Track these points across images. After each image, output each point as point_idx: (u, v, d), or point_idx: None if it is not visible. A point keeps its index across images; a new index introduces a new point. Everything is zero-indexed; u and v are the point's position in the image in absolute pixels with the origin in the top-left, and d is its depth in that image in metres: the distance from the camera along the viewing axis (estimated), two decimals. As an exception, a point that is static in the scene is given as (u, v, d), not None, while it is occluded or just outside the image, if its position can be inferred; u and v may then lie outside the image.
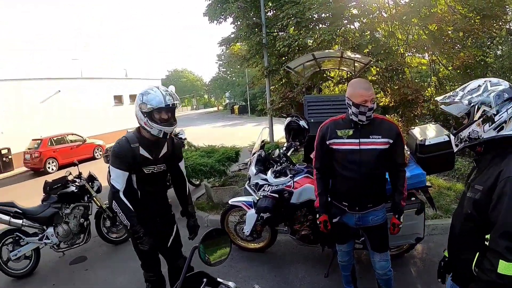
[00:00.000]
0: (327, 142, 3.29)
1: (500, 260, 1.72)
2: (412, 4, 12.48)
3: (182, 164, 3.67)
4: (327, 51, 11.48)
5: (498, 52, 17.26)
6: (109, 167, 3.30)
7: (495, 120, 1.90)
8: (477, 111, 1.95)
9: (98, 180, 6.34)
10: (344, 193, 3.37)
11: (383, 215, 3.36)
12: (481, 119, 1.93)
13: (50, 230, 5.78)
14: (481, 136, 1.96)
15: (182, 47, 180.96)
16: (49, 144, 18.14)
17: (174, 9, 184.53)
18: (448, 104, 2.09)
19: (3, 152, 19.92)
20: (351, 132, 3.19)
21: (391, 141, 3.13)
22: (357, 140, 3.16)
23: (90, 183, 6.17)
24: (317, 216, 3.56)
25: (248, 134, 20.66)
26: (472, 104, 1.96)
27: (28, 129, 21.07)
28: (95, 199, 6.18)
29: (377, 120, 3.22)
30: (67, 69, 27.00)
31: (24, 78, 23.25)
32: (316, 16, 13.09)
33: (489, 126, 1.92)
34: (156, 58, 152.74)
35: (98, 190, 6.25)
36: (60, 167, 17.25)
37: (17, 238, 5.63)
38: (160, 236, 3.56)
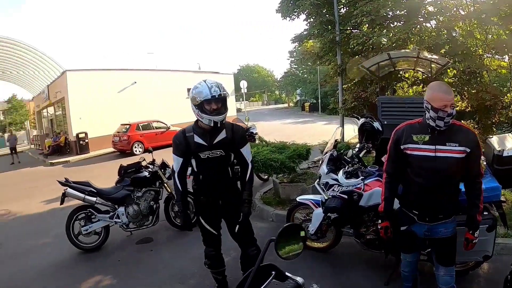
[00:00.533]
0: (401, 147, 3.18)
1: None
2: (491, 2, 11.74)
3: (244, 150, 3.84)
4: (403, 50, 11.21)
5: None
6: None
7: None
8: None
9: (170, 168, 6.67)
10: (415, 202, 3.25)
11: (453, 227, 3.21)
12: None
13: (121, 209, 6.22)
14: None
15: (253, 42, 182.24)
16: (136, 129, 20.18)
17: (246, 4, 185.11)
18: None
19: (81, 136, 22.66)
20: (427, 137, 3.06)
21: (468, 150, 2.95)
22: (433, 147, 3.03)
23: (162, 170, 6.56)
24: (380, 221, 3.50)
25: (318, 132, 20.49)
26: None
27: (105, 116, 22.70)
28: (165, 185, 6.55)
29: (455, 126, 3.06)
30: (143, 62, 28.44)
31: (105, 68, 24.79)
32: (390, 13, 12.76)
33: None
34: (228, 53, 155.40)
35: (170, 177, 6.56)
36: (145, 151, 18.40)
37: (89, 214, 6.15)
38: (227, 221, 3.96)
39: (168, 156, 7.55)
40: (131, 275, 5.33)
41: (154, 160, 6.74)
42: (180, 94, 28.78)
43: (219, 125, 3.59)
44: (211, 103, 3.46)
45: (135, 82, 26.43)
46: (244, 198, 3.82)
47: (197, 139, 3.64)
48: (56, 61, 31.11)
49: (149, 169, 6.54)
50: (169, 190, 6.56)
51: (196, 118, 3.67)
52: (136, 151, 19.61)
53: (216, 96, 3.44)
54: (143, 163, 6.60)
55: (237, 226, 3.88)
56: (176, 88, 28.89)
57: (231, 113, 24.92)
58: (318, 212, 4.89)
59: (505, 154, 4.23)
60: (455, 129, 3.03)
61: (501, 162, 4.23)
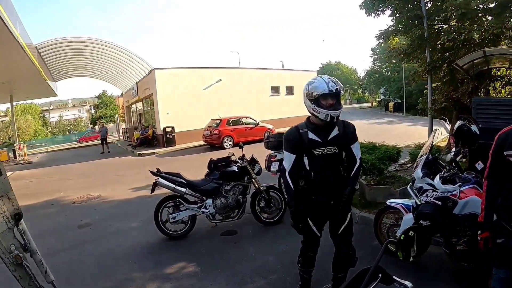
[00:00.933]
0: (505, 153, 2.95)
1: None
2: None
3: (354, 147, 3.79)
4: (499, 47, 10.63)
5: None
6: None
7: None
8: None
9: (259, 164, 6.92)
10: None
11: None
12: None
13: (209, 201, 6.56)
14: None
15: (337, 40, 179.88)
16: (227, 124, 21.22)
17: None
18: None
19: (168, 129, 24.29)
20: None
21: None
22: None
23: (251, 165, 6.77)
24: (479, 231, 3.27)
25: (403, 133, 20.09)
26: None
27: (190, 112, 24.63)
28: (254, 181, 6.77)
29: None
30: (226, 60, 29.41)
31: (190, 66, 25.90)
32: (481, 6, 12.12)
33: None
34: (311, 50, 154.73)
35: (258, 173, 6.84)
36: (235, 145, 19.61)
37: (178, 203, 6.55)
38: (333, 221, 3.93)
39: (257, 151, 7.79)
40: (214, 265, 5.53)
41: (243, 155, 7.01)
42: (264, 91, 29.31)
43: (335, 120, 3.59)
44: (328, 98, 3.49)
45: (220, 80, 27.36)
46: (344, 194, 3.73)
47: (311, 135, 3.64)
48: (145, 61, 33.48)
49: (238, 164, 6.83)
50: (257, 185, 6.80)
51: (309, 115, 3.77)
52: (226, 145, 20.72)
53: (334, 91, 3.47)
54: (233, 158, 6.89)
55: (343, 226, 3.87)
56: (260, 85, 29.52)
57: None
58: (409, 218, 4.67)
59: None
60: None
61: None
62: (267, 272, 5.17)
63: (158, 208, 6.55)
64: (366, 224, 6.27)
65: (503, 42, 11.86)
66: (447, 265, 4.80)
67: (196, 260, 5.74)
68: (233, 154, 6.89)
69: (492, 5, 12.04)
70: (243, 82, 29.17)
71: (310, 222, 3.87)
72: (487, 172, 3.19)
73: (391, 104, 53.65)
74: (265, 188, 6.88)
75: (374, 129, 26.09)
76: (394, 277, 1.92)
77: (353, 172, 3.78)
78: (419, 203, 4.54)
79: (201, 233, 6.78)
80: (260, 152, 8.24)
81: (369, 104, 76.17)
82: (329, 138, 3.65)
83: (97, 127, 37.89)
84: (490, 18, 12.34)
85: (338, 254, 4.04)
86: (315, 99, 3.50)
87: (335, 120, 3.57)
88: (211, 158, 6.91)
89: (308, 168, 3.70)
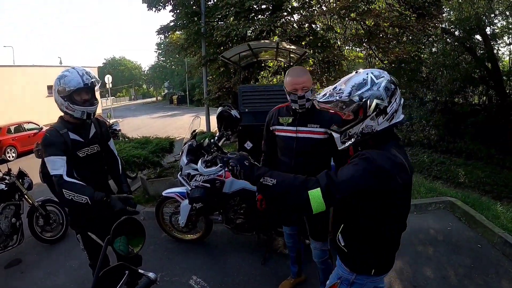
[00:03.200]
0: (271, 128, 3.42)
1: (319, 189, 1.91)
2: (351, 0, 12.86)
3: (111, 143, 3.59)
4: (262, 41, 11.64)
5: (432, 49, 18.34)
6: (43, 161, 3.21)
7: (388, 112, 1.96)
8: (370, 105, 1.94)
9: (29, 177, 6.01)
10: None
11: None
12: (375, 112, 1.95)
13: None
14: (375, 129, 2.00)
15: (120, 35, 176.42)
16: (7, 132, 18.00)
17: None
18: (332, 102, 2.01)
19: None
20: (290, 120, 3.26)
21: (329, 131, 3.02)
22: (294, 128, 3.22)
23: (20, 180, 5.83)
24: (257, 193, 3.74)
25: (186, 124, 20.54)
26: (364, 100, 1.94)
27: None
28: (26, 197, 5.83)
29: (319, 109, 3.10)
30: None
31: None
32: (256, 7, 13.13)
33: (383, 118, 1.97)
34: (92, 46, 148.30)
35: (29, 187, 5.92)
36: (19, 155, 17.41)
37: None
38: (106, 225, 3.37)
39: (27, 163, 6.89)
40: (4, 306, 4.80)
41: (10, 170, 5.97)
42: (40, 91, 26.63)
43: (92, 117, 3.19)
44: (82, 93, 3.03)
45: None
46: (126, 191, 3.56)
47: (73, 135, 3.13)
48: None
49: (6, 181, 5.80)
50: (31, 202, 5.90)
51: (60, 116, 3.19)
52: (9, 156, 17.42)
53: (89, 85, 3.01)
54: (-3, 175, 5.84)
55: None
56: (35, 85, 26.61)
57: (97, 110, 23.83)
58: (185, 204, 4.90)
59: None
60: (319, 112, 3.15)
61: None
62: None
63: None
64: (152, 218, 6.11)
65: (274, 38, 12.97)
66: (235, 239, 5.41)
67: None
68: None
69: (266, 6, 13.19)
70: (17, 82, 25.64)
71: (94, 236, 3.32)
72: (263, 146, 3.66)
73: (175, 97, 55.08)
74: (40, 203, 5.99)
75: (157, 123, 26.40)
76: (139, 270, 1.98)
77: (121, 169, 3.67)
78: (190, 188, 4.70)
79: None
80: (31, 165, 7.31)
81: (154, 99, 76.42)
82: (90, 137, 3.27)
83: None
84: (262, 17, 13.49)
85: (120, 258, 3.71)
86: (68, 95, 2.98)
87: (92, 117, 3.19)
88: (-30, 180, 5.79)
89: (75, 174, 3.10)
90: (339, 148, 2.16)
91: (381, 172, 1.88)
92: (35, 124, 19.86)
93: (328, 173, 1.96)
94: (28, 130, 19.19)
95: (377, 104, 1.93)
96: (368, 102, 1.93)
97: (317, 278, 3.74)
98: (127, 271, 1.93)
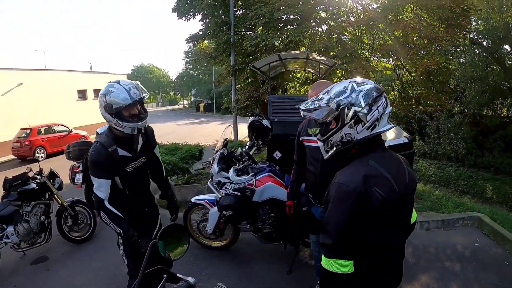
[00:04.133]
0: (300, 138, 3.56)
1: (323, 256, 1.90)
2: (379, 10, 12.92)
3: (157, 150, 3.54)
4: (293, 52, 11.61)
5: (461, 60, 18.08)
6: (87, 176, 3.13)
7: (368, 120, 1.87)
8: (347, 113, 1.88)
9: (59, 177, 6.16)
10: (311, 186, 3.60)
11: None
12: (353, 120, 1.88)
13: (10, 229, 5.53)
14: (354, 137, 1.92)
15: (149, 42, 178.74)
16: (38, 133, 18.55)
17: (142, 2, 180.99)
18: (313, 110, 1.98)
19: None
20: (318, 130, 3.15)
21: None
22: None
23: (51, 180, 5.97)
24: (286, 199, 3.94)
25: (213, 132, 20.73)
26: (341, 107, 1.88)
27: None
28: (56, 197, 5.97)
29: None
30: (30, 60, 26.22)
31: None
32: (284, 17, 13.26)
33: (362, 127, 1.89)
34: (122, 53, 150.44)
35: (60, 188, 6.06)
36: (48, 156, 17.91)
37: None
38: (147, 227, 3.41)
39: (58, 164, 7.03)
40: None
41: (41, 169, 6.12)
42: (70, 95, 27.12)
43: (143, 132, 3.10)
44: (130, 108, 2.90)
45: (21, 83, 24.25)
46: (170, 194, 3.65)
47: (121, 152, 3.05)
48: None
49: (37, 180, 5.93)
50: (60, 202, 6.03)
51: (109, 126, 3.06)
52: (39, 157, 17.84)
53: (137, 100, 2.89)
54: (30, 174, 5.97)
55: (155, 231, 3.51)
56: (65, 89, 27.07)
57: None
58: (214, 211, 4.90)
59: (386, 144, 4.54)
60: None
61: None
62: (86, 294, 4.77)
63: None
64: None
65: (302, 48, 13.00)
66: (261, 248, 5.35)
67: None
68: (31, 170, 6.02)
69: (294, 17, 13.26)
70: (49, 86, 25.71)
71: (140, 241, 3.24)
72: (295, 155, 3.77)
73: (201, 105, 55.27)
74: (69, 203, 6.13)
75: (184, 130, 26.52)
76: (178, 275, 2.05)
77: (165, 174, 3.70)
78: (220, 196, 4.73)
79: (10, 266, 5.65)
80: (62, 165, 7.44)
81: (181, 106, 76.95)
82: (138, 150, 3.20)
83: None
84: (290, 27, 13.53)
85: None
86: (116, 113, 2.86)
87: (142, 131, 3.09)
88: (5, 177, 5.90)
89: (121, 187, 3.14)
90: (324, 158, 2.13)
91: (355, 194, 1.82)
92: (64, 126, 20.37)
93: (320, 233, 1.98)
94: (58, 132, 19.74)
95: (355, 112, 1.86)
96: (346, 109, 1.88)
97: None
98: (165, 275, 1.98)
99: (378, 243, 1.96)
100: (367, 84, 1.92)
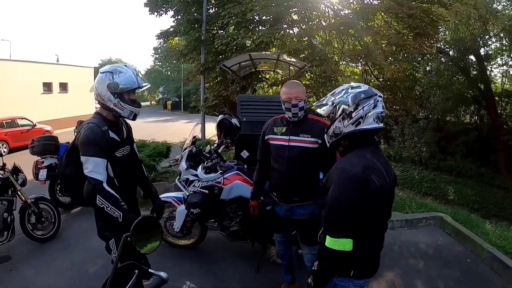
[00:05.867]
0: (266, 137, 3.61)
1: (327, 236, 2.18)
2: (351, 16, 13.12)
3: (135, 146, 3.45)
4: (264, 52, 11.70)
5: (427, 68, 18.74)
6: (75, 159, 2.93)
7: (353, 116, 2.22)
8: (338, 110, 2.29)
9: (23, 173, 5.95)
10: (275, 185, 3.66)
11: (312, 210, 3.49)
12: (341, 116, 2.27)
13: None
14: (342, 131, 2.30)
15: (117, 36, 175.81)
16: (0, 126, 17.85)
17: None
18: (320, 107, 2.41)
19: None
20: (284, 129, 3.46)
21: (319, 141, 3.29)
22: (287, 137, 3.41)
23: (14, 176, 5.78)
24: (250, 200, 3.93)
25: (179, 130, 20.66)
26: (335, 104, 2.31)
27: None
28: (19, 193, 5.77)
29: (312, 120, 3.45)
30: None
31: None
32: (257, 18, 13.30)
33: (348, 122, 2.24)
34: (89, 46, 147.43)
35: (23, 184, 5.85)
36: (11, 150, 17.06)
37: None
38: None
39: (22, 159, 6.83)
40: (-10, 303, 4.71)
41: (4, 164, 5.90)
42: (35, 88, 26.29)
43: (136, 119, 3.10)
44: (132, 93, 2.98)
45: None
46: (155, 192, 3.62)
47: (112, 134, 2.99)
48: None
49: (0, 176, 5.76)
50: (24, 199, 5.84)
51: (96, 112, 3.06)
52: (1, 151, 17.15)
53: (141, 87, 2.99)
54: (-8, 169, 5.77)
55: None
56: (30, 81, 26.16)
57: (91, 110, 23.62)
58: (181, 209, 4.88)
59: None
60: (311, 123, 3.42)
61: None
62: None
63: None
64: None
65: (272, 50, 13.10)
66: (229, 246, 5.36)
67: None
68: None
69: (267, 18, 13.34)
70: (13, 77, 24.53)
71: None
72: (258, 155, 3.81)
73: (169, 103, 54.90)
74: (33, 200, 5.91)
75: (151, 128, 26.29)
76: (150, 270, 2.10)
77: (145, 171, 3.65)
78: (188, 194, 4.72)
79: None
80: (25, 160, 7.16)
81: (148, 103, 76.09)
82: (124, 136, 3.17)
83: None
84: (262, 28, 13.61)
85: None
86: (119, 93, 2.88)
87: (136, 119, 3.09)
88: (-35, 174, 5.69)
89: (112, 175, 3.00)
90: (328, 146, 2.56)
91: (357, 179, 2.13)
92: (28, 120, 19.60)
93: (323, 216, 2.27)
94: (21, 126, 19.01)
95: (343, 109, 2.26)
96: (337, 106, 2.29)
97: None
98: (137, 270, 1.99)
99: (371, 227, 2.30)
100: (360, 87, 2.32)
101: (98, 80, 2.92)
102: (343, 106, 2.26)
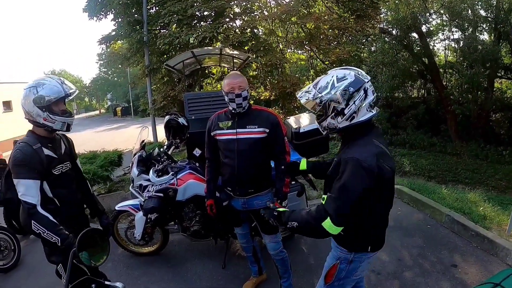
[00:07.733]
0: (212, 133, 3.54)
1: (329, 220, 2.19)
2: (292, 4, 13.38)
3: (78, 162, 3.31)
4: (206, 48, 11.67)
5: (372, 48, 19.36)
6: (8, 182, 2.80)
7: (345, 113, 2.23)
8: (328, 108, 2.28)
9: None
10: (228, 180, 3.61)
11: (268, 199, 3.53)
12: (333, 113, 2.28)
13: None
14: (337, 126, 2.31)
15: (59, 46, 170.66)
16: None
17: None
18: (302, 98, 2.36)
19: None
20: (230, 123, 3.43)
21: (267, 130, 3.34)
22: (234, 131, 3.39)
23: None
24: (206, 200, 3.87)
25: (131, 136, 20.36)
26: (323, 103, 2.27)
27: None
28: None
29: (256, 111, 3.46)
30: None
31: None
32: (198, 14, 13.23)
33: (342, 118, 2.26)
34: (31, 59, 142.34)
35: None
36: None
37: None
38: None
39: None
40: None
41: None
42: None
43: (70, 129, 2.92)
44: (60, 103, 2.80)
45: None
46: (102, 210, 3.49)
47: (47, 151, 2.82)
48: None
49: None
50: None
51: (29, 130, 2.87)
52: None
53: (69, 94, 2.80)
54: None
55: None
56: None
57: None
58: (139, 216, 4.77)
59: (301, 130, 4.85)
60: (256, 114, 3.43)
61: (298, 137, 4.84)
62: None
63: None
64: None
65: (217, 44, 13.11)
66: (193, 246, 5.45)
67: None
68: None
69: (208, 13, 13.31)
70: None
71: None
72: (206, 152, 3.77)
73: (118, 109, 53.91)
74: None
75: (103, 137, 25.76)
76: (106, 282, 2.14)
77: (90, 188, 3.50)
78: (144, 200, 4.66)
79: None
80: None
81: (97, 112, 74.43)
82: (62, 153, 2.99)
83: None
84: (204, 23, 13.60)
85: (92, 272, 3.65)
86: (47, 106, 2.70)
87: (70, 129, 2.91)
88: None
89: (50, 195, 2.85)
90: (323, 135, 2.56)
91: (372, 171, 2.13)
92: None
93: (330, 196, 2.24)
94: None
95: (334, 107, 2.25)
96: (327, 105, 2.27)
97: (277, 273, 3.94)
98: (93, 285, 2.03)
99: (384, 207, 2.45)
100: (346, 79, 2.25)
101: (24, 97, 2.77)
102: (333, 104, 2.25)
